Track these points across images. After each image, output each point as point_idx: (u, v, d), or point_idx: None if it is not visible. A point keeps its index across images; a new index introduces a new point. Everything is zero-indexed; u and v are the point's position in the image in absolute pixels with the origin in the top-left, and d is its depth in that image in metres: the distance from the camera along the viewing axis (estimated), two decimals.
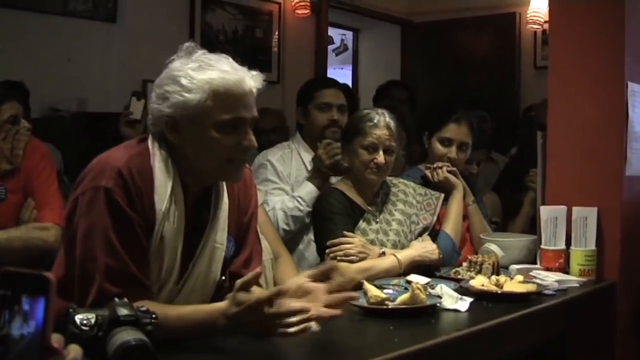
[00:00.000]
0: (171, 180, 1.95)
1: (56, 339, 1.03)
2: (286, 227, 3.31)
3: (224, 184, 2.10)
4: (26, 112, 3.53)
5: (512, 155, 4.93)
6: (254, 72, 2.00)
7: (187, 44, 2.00)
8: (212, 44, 5.19)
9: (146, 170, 1.93)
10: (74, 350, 1.08)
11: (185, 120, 1.93)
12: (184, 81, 1.91)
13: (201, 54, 1.98)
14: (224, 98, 1.92)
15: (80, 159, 3.52)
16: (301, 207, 3.31)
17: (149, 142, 2.00)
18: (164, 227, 1.93)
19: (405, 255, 2.87)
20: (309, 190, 3.33)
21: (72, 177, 3.53)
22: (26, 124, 3.35)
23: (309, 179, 3.39)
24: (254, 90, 1.99)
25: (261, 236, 3.00)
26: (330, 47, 7.59)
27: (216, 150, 1.95)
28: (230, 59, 2.00)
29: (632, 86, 3.06)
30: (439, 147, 3.36)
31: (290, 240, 3.36)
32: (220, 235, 2.07)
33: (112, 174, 1.87)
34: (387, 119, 3.01)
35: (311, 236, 3.28)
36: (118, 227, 1.85)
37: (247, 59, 2.03)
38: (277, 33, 6.00)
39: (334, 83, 3.72)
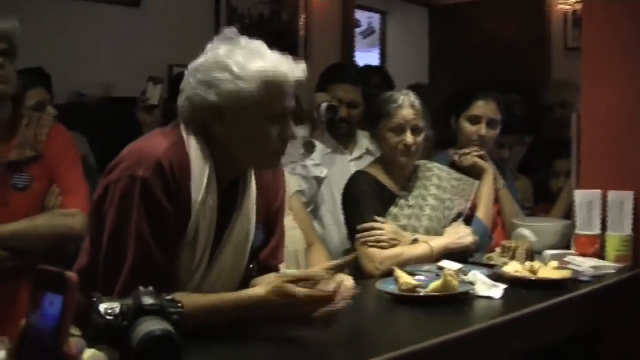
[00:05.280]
0: (207, 169, 1.91)
1: (73, 343, 0.98)
2: (297, 188, 3.31)
3: (252, 172, 2.07)
4: (50, 97, 3.52)
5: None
6: (299, 63, 1.96)
7: (227, 29, 1.96)
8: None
9: (184, 160, 1.88)
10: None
11: (232, 109, 1.88)
12: (235, 69, 1.86)
13: (246, 41, 1.94)
14: (274, 90, 1.89)
15: (106, 144, 3.52)
16: (304, 163, 3.39)
17: (182, 130, 1.94)
18: (200, 218, 1.89)
19: (439, 243, 2.82)
20: (304, 144, 3.45)
21: (98, 162, 3.52)
22: (51, 110, 3.34)
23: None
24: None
25: (294, 224, 2.99)
26: (357, 30, 7.50)
27: (262, 141, 1.92)
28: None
29: None
30: (468, 126, 3.32)
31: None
32: (247, 225, 2.03)
33: (150, 164, 1.81)
34: (412, 98, 2.98)
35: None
36: (151, 220, 1.81)
37: (273, 43, 1.98)
38: (303, 16, 5.95)
39: (346, 77, 3.65)
